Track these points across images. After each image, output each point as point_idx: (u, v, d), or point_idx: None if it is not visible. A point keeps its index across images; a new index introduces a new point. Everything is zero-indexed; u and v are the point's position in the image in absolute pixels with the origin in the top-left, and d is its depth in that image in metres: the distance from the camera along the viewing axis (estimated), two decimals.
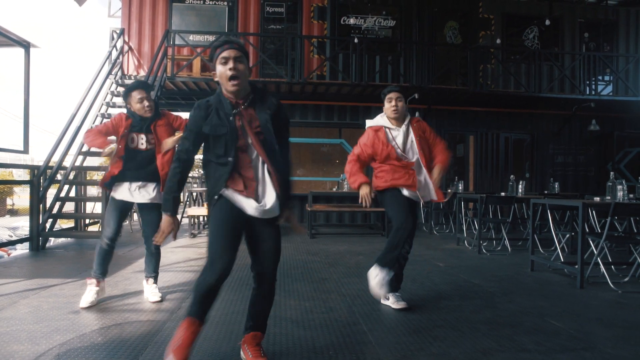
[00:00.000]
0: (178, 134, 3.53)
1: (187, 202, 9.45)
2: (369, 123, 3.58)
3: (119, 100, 8.79)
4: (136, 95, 3.31)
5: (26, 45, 5.66)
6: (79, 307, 3.32)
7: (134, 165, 3.39)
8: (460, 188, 8.92)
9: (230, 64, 2.13)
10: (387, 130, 3.43)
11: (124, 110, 3.58)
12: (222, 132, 2.15)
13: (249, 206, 2.17)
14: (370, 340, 2.74)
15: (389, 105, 3.42)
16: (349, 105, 10.06)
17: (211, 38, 9.50)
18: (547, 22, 9.41)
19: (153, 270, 3.61)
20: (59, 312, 3.21)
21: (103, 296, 3.59)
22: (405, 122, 3.45)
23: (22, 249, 6.84)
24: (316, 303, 3.55)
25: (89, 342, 2.63)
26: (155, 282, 3.65)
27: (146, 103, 3.32)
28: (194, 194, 9.30)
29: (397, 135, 3.41)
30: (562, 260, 4.97)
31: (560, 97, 10.13)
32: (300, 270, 4.85)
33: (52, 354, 2.46)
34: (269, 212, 2.20)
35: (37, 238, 5.86)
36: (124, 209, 3.48)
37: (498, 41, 10.40)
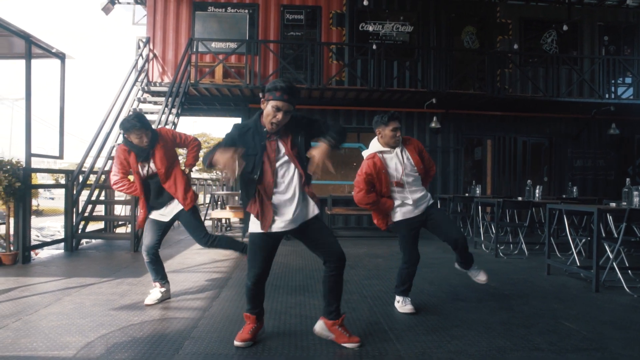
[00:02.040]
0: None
1: (210, 205, 9.70)
2: (366, 153, 3.54)
3: (145, 107, 9.14)
4: (134, 137, 3.47)
5: (62, 57, 5.99)
6: (144, 304, 3.61)
7: (153, 195, 3.66)
8: (478, 192, 9.03)
9: (279, 116, 2.51)
10: (381, 155, 3.44)
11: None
12: (253, 153, 2.56)
13: (281, 221, 2.62)
14: (391, 337, 2.92)
15: (392, 134, 3.36)
16: (367, 110, 10.23)
17: (233, 45, 9.77)
18: (565, 28, 9.45)
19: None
20: (101, 309, 3.46)
21: (167, 297, 3.82)
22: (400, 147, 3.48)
23: (50, 249, 7.15)
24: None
25: (132, 336, 2.87)
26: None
27: (145, 139, 3.49)
28: (216, 196, 9.55)
29: (392, 158, 3.44)
30: (579, 264, 5.06)
31: (579, 101, 10.13)
32: (321, 272, 5.02)
33: (100, 345, 2.70)
34: (299, 219, 2.63)
35: (71, 239, 6.17)
36: (158, 226, 3.72)
37: (515, 46, 10.44)
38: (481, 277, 3.65)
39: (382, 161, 3.41)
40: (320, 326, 2.80)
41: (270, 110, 2.51)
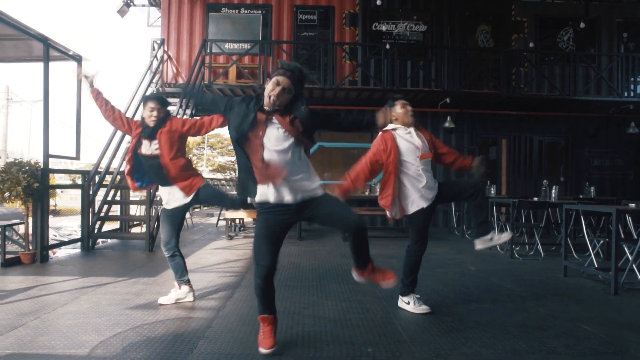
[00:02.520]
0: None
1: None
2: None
3: None
4: (149, 104, 3.50)
5: (79, 59, 6.08)
6: (158, 304, 3.64)
7: (152, 172, 3.59)
8: (492, 192, 8.93)
9: (277, 90, 2.47)
10: (395, 132, 3.43)
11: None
12: (244, 116, 2.52)
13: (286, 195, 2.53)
14: (405, 339, 2.90)
15: (403, 111, 3.44)
16: (380, 110, 10.17)
17: (246, 46, 9.82)
18: (582, 25, 9.29)
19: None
20: (117, 308, 3.51)
21: (184, 299, 3.75)
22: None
23: (67, 249, 7.25)
24: (352, 304, 3.73)
25: (146, 336, 2.90)
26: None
27: (154, 114, 3.47)
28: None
29: (410, 132, 3.44)
30: (597, 266, 4.97)
31: (597, 100, 9.96)
32: (334, 273, 5.03)
33: (116, 344, 2.73)
34: (299, 194, 2.55)
35: (87, 239, 6.26)
36: (170, 219, 3.67)
37: (531, 45, 10.30)
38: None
39: (394, 138, 3.39)
40: (354, 274, 2.89)
41: (270, 85, 2.49)
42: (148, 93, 8.39)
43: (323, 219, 2.68)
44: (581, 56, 10.05)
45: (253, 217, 7.99)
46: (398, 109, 3.44)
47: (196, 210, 14.72)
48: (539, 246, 6.47)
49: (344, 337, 2.93)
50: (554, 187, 6.86)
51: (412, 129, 3.44)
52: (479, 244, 3.37)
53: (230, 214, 7.74)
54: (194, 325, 3.14)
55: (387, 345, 2.80)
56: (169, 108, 3.68)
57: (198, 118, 3.66)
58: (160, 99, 3.57)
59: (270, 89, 2.47)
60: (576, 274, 5.09)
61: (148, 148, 3.52)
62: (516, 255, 6.31)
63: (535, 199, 6.91)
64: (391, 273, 2.76)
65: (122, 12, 10.53)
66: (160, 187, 3.68)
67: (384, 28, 10.37)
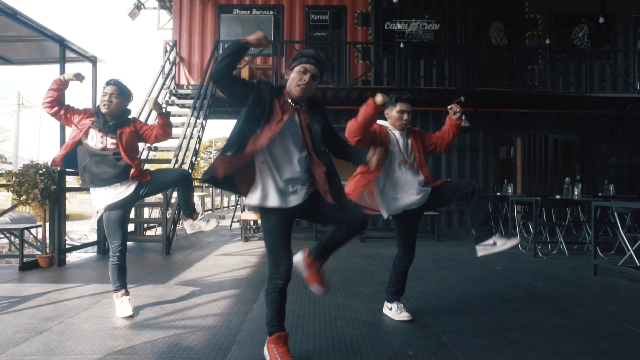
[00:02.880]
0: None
1: (239, 207, 9.57)
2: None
3: (173, 110, 9.18)
4: (108, 89, 3.25)
5: (94, 60, 6.02)
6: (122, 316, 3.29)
7: (105, 166, 3.26)
8: (510, 191, 8.78)
9: (306, 78, 2.30)
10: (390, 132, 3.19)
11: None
12: (262, 101, 2.28)
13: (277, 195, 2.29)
14: (444, 341, 2.78)
15: (397, 116, 3.14)
16: None
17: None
18: (601, 20, 9.13)
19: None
20: (141, 312, 3.41)
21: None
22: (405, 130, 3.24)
23: (80, 252, 7.14)
24: (383, 306, 3.60)
25: (177, 342, 2.79)
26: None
27: (107, 99, 3.22)
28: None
29: (399, 138, 3.19)
30: (639, 264, 4.78)
31: (614, 96, 9.80)
32: (359, 274, 4.92)
33: (146, 350, 2.63)
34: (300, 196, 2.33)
35: (103, 242, 6.18)
36: (118, 214, 3.38)
37: (547, 41, 10.14)
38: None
39: (389, 136, 3.14)
40: (301, 257, 2.50)
41: (295, 75, 2.31)
42: (155, 95, 8.33)
43: (321, 217, 2.51)
44: (597, 52, 9.89)
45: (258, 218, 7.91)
46: (395, 112, 3.15)
47: (207, 212, 14.65)
48: (563, 245, 6.32)
49: (381, 340, 2.82)
50: (576, 185, 6.72)
51: (403, 133, 3.20)
52: (481, 251, 3.00)
53: (245, 215, 7.64)
54: (224, 329, 3.03)
55: (428, 348, 2.67)
56: (130, 108, 3.45)
57: (150, 125, 3.55)
58: (122, 87, 3.31)
59: (299, 78, 2.29)
60: (607, 273, 4.94)
61: (99, 141, 3.25)
62: (540, 254, 6.17)
63: (558, 196, 6.77)
64: (326, 287, 2.55)
65: (133, 14, 10.50)
66: (97, 187, 3.32)
67: (396, 27, 10.26)
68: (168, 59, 9.26)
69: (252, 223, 8.40)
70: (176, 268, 5.25)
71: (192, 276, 4.81)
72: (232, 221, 9.64)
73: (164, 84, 8.84)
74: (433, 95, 9.48)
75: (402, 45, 9.01)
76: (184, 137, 7.18)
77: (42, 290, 4.09)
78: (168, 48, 9.49)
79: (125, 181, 3.30)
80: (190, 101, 9.02)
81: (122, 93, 3.31)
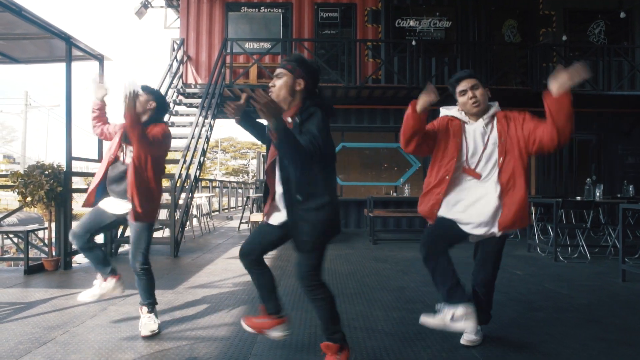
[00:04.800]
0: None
1: (246, 207, 9.42)
2: (443, 111, 2.80)
3: (181, 109, 9.03)
4: (143, 97, 2.94)
5: (100, 59, 5.86)
6: (78, 300, 3.22)
7: (112, 180, 2.98)
8: (532, 192, 8.56)
9: (273, 81, 2.32)
10: (463, 123, 2.63)
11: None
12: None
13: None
14: (475, 355, 2.59)
15: (464, 99, 2.59)
16: (406, 109, 9.84)
17: (267, 45, 9.58)
18: (623, 15, 8.86)
19: (147, 297, 3.11)
20: None
21: (109, 292, 3.23)
22: (487, 116, 2.57)
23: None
24: (404, 314, 3.41)
25: (188, 353, 2.62)
26: (152, 311, 3.07)
27: (147, 107, 2.94)
28: (252, 199, 9.32)
29: (471, 131, 2.59)
30: None
31: (632, 95, 9.53)
32: (374, 278, 4.73)
33: None
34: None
35: (110, 244, 6.03)
36: (100, 217, 3.05)
37: (564, 38, 9.87)
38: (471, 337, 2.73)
39: (461, 127, 2.60)
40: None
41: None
42: (163, 93, 8.19)
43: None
44: (616, 49, 9.62)
45: None
46: (458, 97, 2.63)
47: (215, 213, 14.50)
48: (584, 248, 6.09)
49: (407, 353, 2.62)
50: (597, 186, 6.49)
51: (486, 120, 2.58)
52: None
53: (254, 217, 7.47)
54: (238, 341, 2.85)
55: None
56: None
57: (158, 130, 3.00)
58: (146, 87, 3.00)
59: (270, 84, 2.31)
60: (636, 279, 4.71)
61: (124, 153, 2.99)
62: (560, 257, 5.94)
63: (578, 198, 6.54)
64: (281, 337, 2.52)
65: (140, 13, 10.37)
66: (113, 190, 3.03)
67: (407, 25, 10.05)
68: (175, 57, 9.11)
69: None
70: (185, 272, 5.08)
71: (202, 281, 4.64)
72: (241, 222, 9.46)
73: (171, 83, 8.70)
74: (445, 93, 9.22)
75: (414, 43, 8.80)
76: (192, 137, 7.02)
77: (47, 295, 3.94)
78: (175, 46, 9.35)
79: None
80: (198, 100, 8.87)
81: (154, 94, 3.04)
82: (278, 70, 2.29)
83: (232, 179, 38.05)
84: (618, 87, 9.59)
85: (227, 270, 5.21)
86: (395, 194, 8.45)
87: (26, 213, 15.21)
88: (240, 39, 9.28)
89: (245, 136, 50.00)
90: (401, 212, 8.42)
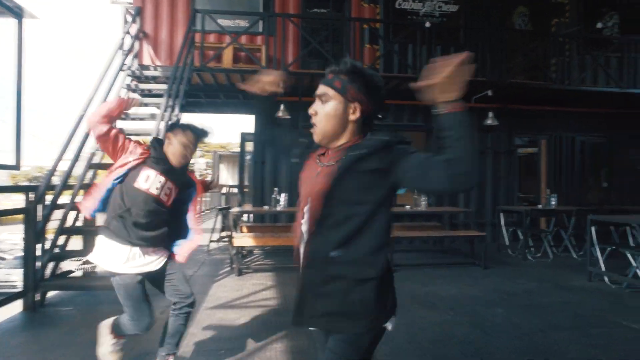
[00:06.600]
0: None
1: (227, 227, 7.22)
2: None
3: (136, 97, 7.02)
4: (184, 137, 2.56)
5: (19, 14, 3.92)
6: None
7: (141, 216, 2.44)
8: (553, 203, 7.35)
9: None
10: None
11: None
12: None
13: None
14: None
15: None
16: (407, 105, 8.40)
17: (243, 23, 7.79)
18: None
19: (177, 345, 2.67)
20: None
21: None
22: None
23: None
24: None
25: None
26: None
27: (188, 152, 2.60)
28: (232, 215, 7.10)
29: None
30: None
31: None
32: (448, 348, 3.12)
33: None
34: None
35: (33, 292, 4.08)
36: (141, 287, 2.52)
37: (599, 25, 8.70)
38: None
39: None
40: None
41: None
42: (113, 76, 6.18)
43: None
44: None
45: (273, 244, 6.01)
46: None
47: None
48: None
49: None
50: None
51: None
52: None
53: (239, 240, 5.70)
54: None
55: None
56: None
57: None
58: (202, 133, 2.66)
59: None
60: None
61: (152, 184, 2.48)
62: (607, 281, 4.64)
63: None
64: None
65: None
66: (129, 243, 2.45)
67: (409, 6, 8.57)
68: (128, 32, 7.11)
69: (243, 250, 6.40)
70: (153, 338, 3.24)
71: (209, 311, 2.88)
72: (211, 241, 7.56)
73: (122, 64, 6.70)
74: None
75: (427, 24, 7.31)
76: (158, 134, 5.14)
77: None
78: (129, 18, 7.34)
79: (160, 249, 2.58)
80: (158, 86, 6.94)
81: (201, 137, 2.68)
82: (322, 89, 1.52)
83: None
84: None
85: (220, 338, 3.43)
86: (407, 208, 6.88)
87: None
88: (214, 11, 7.39)
89: (216, 137, 46.96)
90: (425, 231, 6.91)
